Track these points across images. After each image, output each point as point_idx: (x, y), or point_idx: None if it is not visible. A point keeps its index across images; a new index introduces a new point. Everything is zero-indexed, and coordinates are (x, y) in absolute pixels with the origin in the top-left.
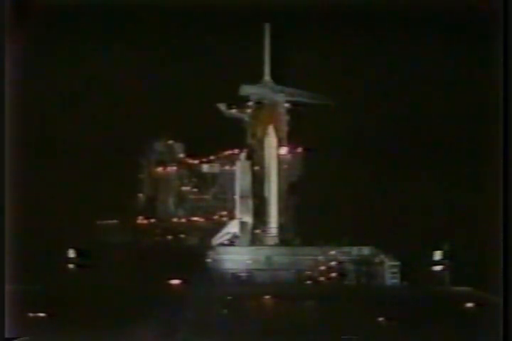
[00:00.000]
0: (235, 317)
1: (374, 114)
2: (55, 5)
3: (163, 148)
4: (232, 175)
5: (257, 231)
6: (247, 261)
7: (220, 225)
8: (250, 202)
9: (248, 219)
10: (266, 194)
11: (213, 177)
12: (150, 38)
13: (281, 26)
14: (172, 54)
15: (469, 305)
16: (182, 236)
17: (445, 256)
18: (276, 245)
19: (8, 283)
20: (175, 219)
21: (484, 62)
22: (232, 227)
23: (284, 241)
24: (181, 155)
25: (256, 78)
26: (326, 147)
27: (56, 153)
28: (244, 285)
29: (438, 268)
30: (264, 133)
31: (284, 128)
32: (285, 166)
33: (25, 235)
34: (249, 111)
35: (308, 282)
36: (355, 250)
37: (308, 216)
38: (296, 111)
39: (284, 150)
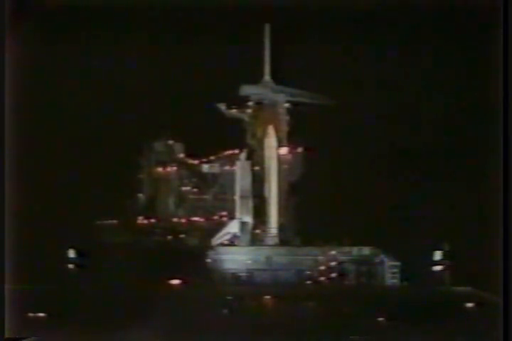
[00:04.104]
0: (235, 317)
1: (374, 114)
2: (55, 5)
3: (163, 148)
4: (232, 175)
5: (257, 231)
6: (247, 261)
7: (220, 225)
8: (250, 202)
9: (248, 219)
10: (266, 194)
11: (213, 177)
12: (150, 37)
13: (281, 26)
14: (172, 54)
15: (469, 305)
16: (182, 236)
17: (445, 256)
18: (276, 245)
19: (8, 283)
20: (175, 219)
21: (484, 62)
22: (232, 227)
23: (284, 241)
24: (181, 155)
25: (256, 78)
26: (326, 147)
27: (56, 153)
28: (244, 285)
29: (438, 268)
30: (264, 133)
31: (284, 128)
32: (285, 166)
33: (25, 235)
34: (249, 111)
35: (308, 282)
36: (355, 250)
37: (308, 216)
38: (296, 111)
39: (284, 150)
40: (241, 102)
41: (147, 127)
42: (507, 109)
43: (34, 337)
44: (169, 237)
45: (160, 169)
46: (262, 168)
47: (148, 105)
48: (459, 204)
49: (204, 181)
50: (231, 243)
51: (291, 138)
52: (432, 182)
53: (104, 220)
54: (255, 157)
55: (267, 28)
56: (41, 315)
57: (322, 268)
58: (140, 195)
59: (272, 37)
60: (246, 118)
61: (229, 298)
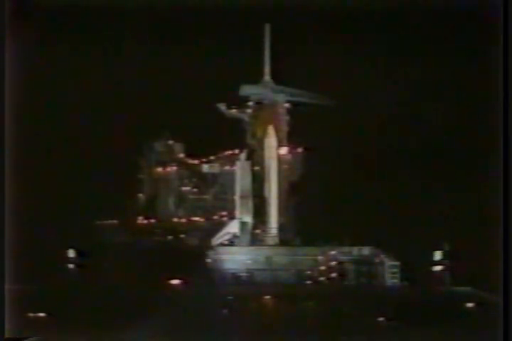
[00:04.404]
0: (235, 317)
1: (374, 114)
2: (55, 5)
3: (163, 148)
4: (232, 175)
5: (257, 231)
6: (247, 261)
7: (220, 225)
8: (250, 202)
9: (248, 219)
10: (266, 194)
11: (213, 177)
12: (150, 38)
13: (281, 26)
14: (172, 54)
15: (469, 305)
16: (182, 236)
17: (445, 256)
18: (276, 245)
19: (8, 283)
20: (175, 219)
21: (484, 63)
22: (232, 227)
23: (284, 241)
24: (181, 155)
25: (256, 78)
26: (326, 147)
27: (56, 153)
28: (244, 285)
29: (438, 268)
30: (264, 133)
31: (284, 128)
32: (285, 166)
33: (25, 235)
34: (249, 111)
35: (308, 282)
36: (355, 250)
37: (308, 216)
38: (296, 111)
39: (284, 150)
40: (241, 102)
41: (147, 127)
42: (507, 108)
43: (34, 337)
44: (169, 237)
45: (160, 169)
46: (262, 168)
47: (148, 105)
48: (458, 204)
49: (204, 181)
50: (231, 243)
51: (291, 138)
52: (432, 183)
53: (104, 220)
54: (255, 157)
55: (267, 28)
56: (41, 315)
57: (322, 268)
58: (140, 195)
59: (272, 37)
60: (246, 118)
61: (229, 298)
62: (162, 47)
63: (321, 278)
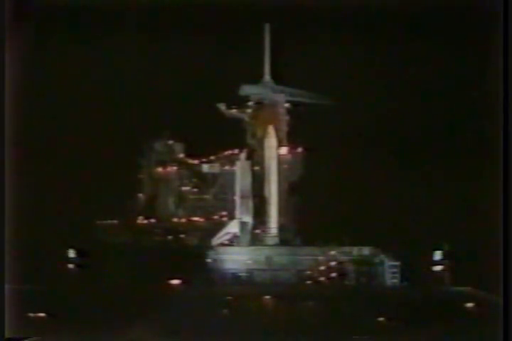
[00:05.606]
0: (235, 317)
1: (374, 114)
2: (55, 5)
3: (163, 148)
4: (232, 175)
5: (257, 231)
6: (247, 261)
7: (220, 225)
8: (250, 202)
9: (248, 219)
10: (266, 194)
11: (213, 177)
12: (150, 38)
13: (281, 26)
14: (172, 54)
15: (469, 305)
16: (182, 236)
17: (445, 256)
18: (276, 245)
19: (8, 283)
20: (175, 219)
21: (484, 61)
22: (232, 227)
23: (284, 241)
24: (181, 155)
25: (256, 78)
26: (326, 147)
27: (56, 153)
28: (244, 285)
29: (438, 268)
30: (264, 133)
31: (284, 128)
32: (285, 166)
33: (25, 235)
34: (249, 111)
35: (308, 282)
36: (355, 250)
37: (308, 216)
38: (296, 111)
39: (284, 150)
40: (241, 102)
41: (147, 127)
42: (507, 108)
43: (34, 337)
44: (169, 237)
45: (160, 169)
46: (262, 168)
47: (148, 105)
48: (459, 204)
49: (204, 181)
50: (231, 243)
51: (291, 138)
52: (432, 183)
53: (104, 220)
54: (255, 157)
55: (267, 28)
56: (41, 315)
57: (322, 268)
58: (140, 195)
59: (272, 37)
60: (246, 118)
61: (229, 297)
62: (162, 47)
63: (321, 278)
